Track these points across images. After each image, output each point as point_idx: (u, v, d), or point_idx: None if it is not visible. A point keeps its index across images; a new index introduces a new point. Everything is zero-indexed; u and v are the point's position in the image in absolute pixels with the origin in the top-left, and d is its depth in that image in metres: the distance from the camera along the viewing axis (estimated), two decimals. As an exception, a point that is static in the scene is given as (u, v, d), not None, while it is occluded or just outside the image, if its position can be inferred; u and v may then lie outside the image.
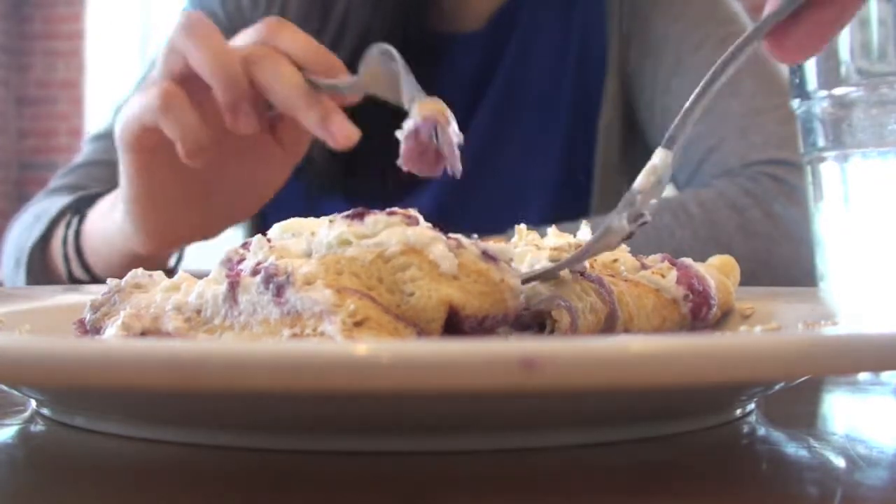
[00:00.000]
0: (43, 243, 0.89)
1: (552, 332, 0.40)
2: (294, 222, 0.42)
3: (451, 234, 0.40)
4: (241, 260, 0.40)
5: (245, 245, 0.41)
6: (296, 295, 0.36)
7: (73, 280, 0.85)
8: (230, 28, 0.78)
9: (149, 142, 0.69)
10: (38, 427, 0.38)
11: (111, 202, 0.80)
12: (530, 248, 0.45)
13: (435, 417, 0.32)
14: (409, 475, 0.31)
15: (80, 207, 0.88)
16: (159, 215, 0.74)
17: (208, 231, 0.78)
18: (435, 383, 0.26)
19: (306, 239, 0.40)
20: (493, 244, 0.41)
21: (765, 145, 0.92)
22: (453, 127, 0.49)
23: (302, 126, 0.65)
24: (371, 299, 0.37)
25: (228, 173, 0.73)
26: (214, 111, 0.66)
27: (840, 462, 0.34)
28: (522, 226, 0.50)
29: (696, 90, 0.41)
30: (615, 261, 0.47)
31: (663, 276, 0.46)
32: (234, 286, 0.38)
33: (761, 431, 0.38)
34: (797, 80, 0.54)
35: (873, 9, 0.49)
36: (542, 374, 0.25)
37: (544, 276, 0.42)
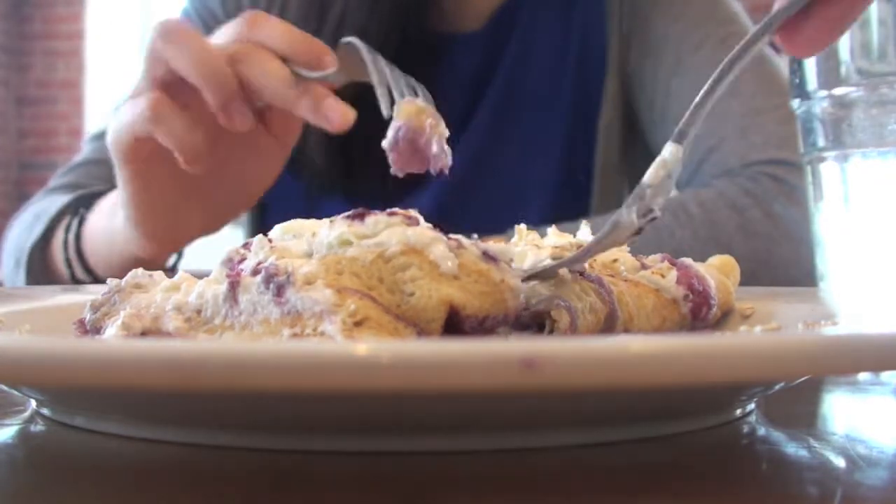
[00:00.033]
0: (43, 243, 0.89)
1: (552, 332, 0.40)
2: (295, 223, 0.42)
3: (451, 235, 0.40)
4: (242, 260, 0.40)
5: (246, 245, 0.41)
6: (296, 295, 0.36)
7: (76, 282, 0.85)
8: None
9: (143, 152, 0.69)
10: (38, 427, 0.38)
11: (111, 205, 0.80)
12: (530, 248, 0.45)
13: (435, 417, 0.32)
14: (409, 475, 0.31)
15: (79, 207, 0.88)
16: (160, 219, 0.74)
17: (210, 228, 0.78)
18: (435, 383, 0.26)
19: (307, 240, 0.40)
20: (494, 244, 0.41)
21: (765, 145, 0.92)
22: (438, 125, 0.49)
23: (293, 115, 0.65)
24: (371, 299, 0.37)
25: (225, 170, 0.72)
26: (205, 112, 0.66)
27: (840, 462, 0.34)
28: (522, 226, 0.50)
29: (707, 84, 0.41)
30: (615, 261, 0.47)
31: (663, 276, 0.46)
32: (234, 286, 0.38)
33: (761, 431, 0.38)
34: (797, 80, 0.54)
35: (873, 9, 0.49)
36: (542, 374, 0.25)
37: (550, 272, 0.42)
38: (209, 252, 0.67)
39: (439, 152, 0.48)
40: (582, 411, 0.33)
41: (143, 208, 0.73)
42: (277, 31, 0.66)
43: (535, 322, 0.40)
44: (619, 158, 1.04)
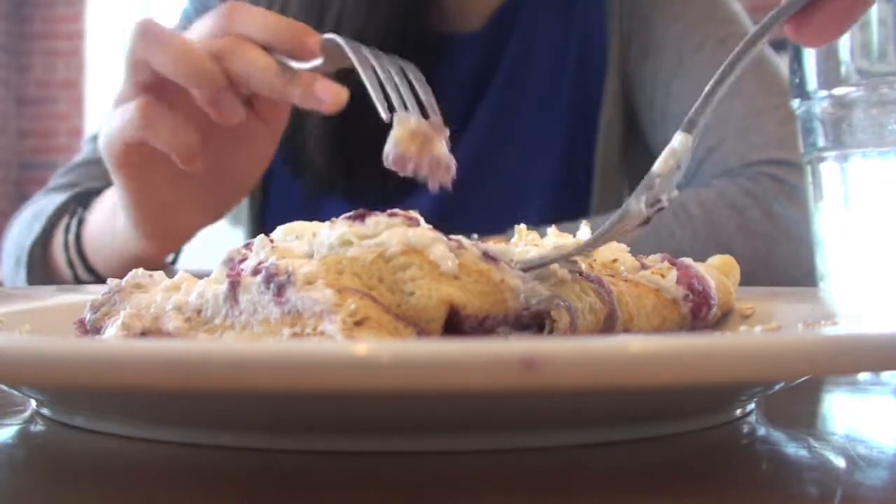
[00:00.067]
0: (42, 241, 0.89)
1: (551, 332, 0.40)
2: (297, 225, 0.42)
3: (451, 236, 0.40)
4: (243, 260, 0.40)
5: (247, 245, 0.41)
6: (296, 294, 0.36)
7: (79, 282, 0.85)
8: None
9: (137, 156, 0.68)
10: (38, 427, 0.38)
11: (110, 205, 0.80)
12: (530, 249, 0.45)
13: (435, 417, 0.32)
14: (409, 475, 0.31)
15: (77, 206, 0.88)
16: (159, 218, 0.74)
17: (209, 220, 0.78)
18: (435, 383, 0.26)
19: (308, 240, 0.40)
20: (494, 245, 0.41)
21: (765, 145, 0.92)
22: (431, 143, 0.49)
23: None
24: (372, 299, 0.37)
25: (219, 161, 0.72)
26: (194, 108, 0.66)
27: (840, 462, 0.34)
28: (522, 226, 0.50)
29: (717, 73, 0.41)
30: (615, 261, 0.47)
31: (663, 276, 0.46)
32: (234, 286, 0.38)
33: (761, 431, 0.38)
34: (797, 80, 0.54)
35: (873, 9, 0.49)
36: (542, 374, 0.25)
37: (556, 261, 0.42)
38: (209, 252, 0.67)
39: (435, 170, 0.48)
40: (582, 411, 0.33)
41: (142, 209, 0.73)
42: (257, 19, 0.65)
43: (535, 322, 0.40)
44: (620, 158, 1.04)
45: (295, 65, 0.63)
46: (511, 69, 1.05)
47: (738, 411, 0.39)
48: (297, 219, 0.44)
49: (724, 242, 0.86)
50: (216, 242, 0.73)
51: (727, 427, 0.38)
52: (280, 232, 0.42)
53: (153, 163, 0.68)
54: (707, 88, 0.41)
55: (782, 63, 0.96)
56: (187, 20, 1.03)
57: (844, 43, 0.50)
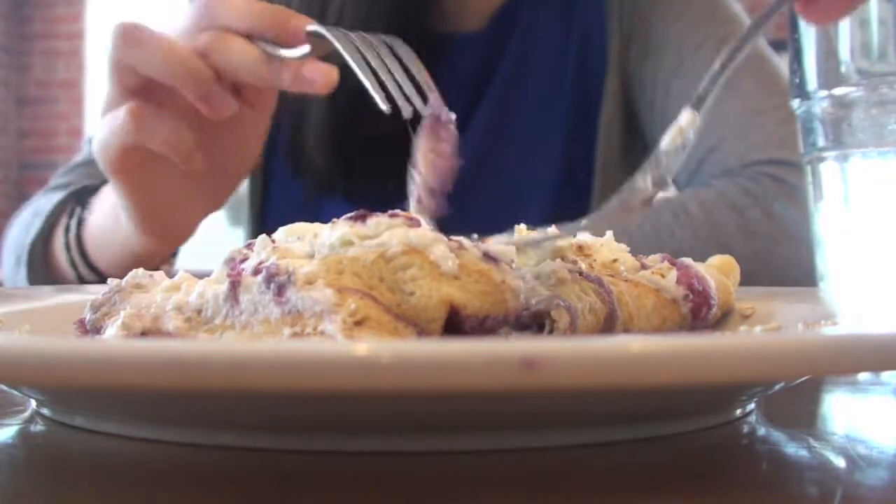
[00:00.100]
0: (42, 240, 0.89)
1: (552, 332, 0.40)
2: (298, 226, 0.43)
3: (452, 236, 0.40)
4: (244, 260, 0.40)
5: (249, 245, 0.41)
6: (297, 294, 0.36)
7: (82, 280, 0.85)
8: None
9: (133, 161, 0.68)
10: (38, 427, 0.38)
11: (110, 204, 0.80)
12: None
13: (435, 417, 0.32)
14: (409, 475, 0.31)
15: (77, 202, 0.88)
16: (160, 216, 0.74)
17: (210, 211, 0.78)
18: (435, 383, 0.26)
19: (309, 241, 0.40)
20: (494, 246, 0.41)
21: (765, 145, 0.92)
22: (426, 177, 0.49)
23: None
24: (372, 298, 0.37)
25: (214, 153, 0.72)
26: (184, 105, 0.65)
27: (840, 462, 0.34)
28: (522, 226, 0.50)
29: (726, 51, 0.41)
30: (615, 261, 0.47)
31: (663, 276, 0.46)
32: (235, 286, 0.38)
33: (761, 431, 0.38)
34: (797, 80, 0.54)
35: (873, 9, 0.49)
36: (542, 374, 0.25)
37: (560, 238, 0.41)
38: (209, 252, 0.67)
39: (435, 191, 0.48)
40: (582, 411, 0.33)
41: (141, 209, 0.73)
42: (238, 9, 0.65)
43: (535, 322, 0.40)
44: (620, 158, 1.04)
45: (282, 52, 0.63)
46: (511, 69, 1.05)
47: (738, 411, 0.39)
48: (298, 219, 0.44)
49: (724, 242, 0.86)
50: (216, 242, 0.73)
51: (727, 427, 0.38)
52: (281, 233, 0.42)
53: (149, 164, 0.68)
54: (715, 66, 0.41)
55: (782, 63, 0.96)
56: None
57: (844, 43, 0.50)
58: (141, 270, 0.45)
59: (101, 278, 0.83)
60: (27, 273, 0.89)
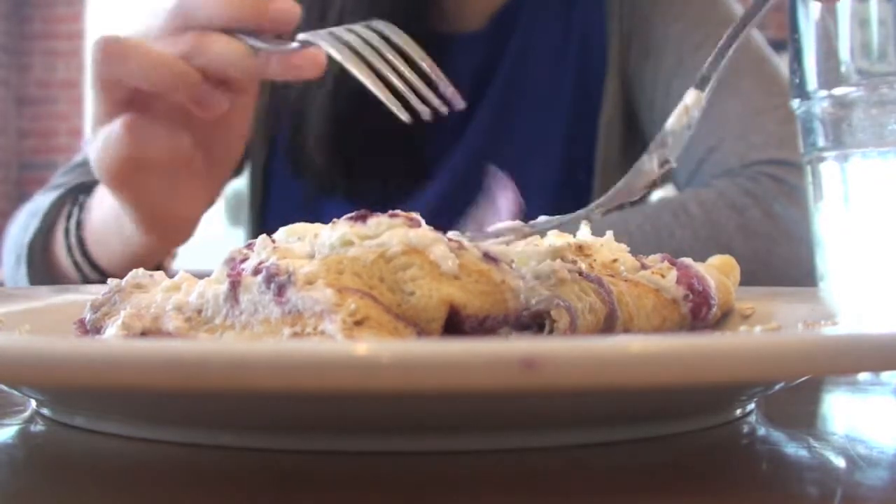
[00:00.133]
0: (42, 237, 0.89)
1: (551, 332, 0.40)
2: (299, 226, 0.43)
3: (452, 236, 0.40)
4: (244, 260, 0.40)
5: (249, 245, 0.41)
6: (297, 294, 0.36)
7: (84, 277, 0.85)
8: None
9: (132, 171, 0.68)
10: (38, 427, 0.38)
11: (110, 205, 0.80)
12: (530, 248, 0.45)
13: (435, 417, 0.32)
14: (409, 475, 0.31)
15: (75, 199, 0.87)
16: (161, 216, 0.74)
17: (209, 203, 0.77)
18: (435, 383, 0.26)
19: (309, 241, 0.40)
20: (494, 246, 0.41)
21: (765, 145, 0.92)
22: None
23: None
24: (372, 298, 0.37)
25: (206, 146, 0.72)
26: (174, 109, 0.65)
27: (840, 462, 0.34)
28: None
29: (730, 29, 0.40)
30: (615, 261, 0.47)
31: (663, 276, 0.46)
32: (235, 286, 0.38)
33: (761, 431, 0.38)
34: (797, 80, 0.54)
35: (873, 9, 0.49)
36: (542, 374, 0.25)
37: (567, 223, 0.41)
38: (209, 252, 0.67)
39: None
40: (582, 411, 0.33)
41: (142, 212, 0.73)
42: (213, 3, 0.64)
43: (535, 322, 0.40)
44: (620, 158, 1.04)
45: (265, 45, 0.63)
46: (511, 69, 1.05)
47: (738, 411, 0.39)
48: (298, 219, 0.44)
49: (724, 242, 0.86)
50: (216, 242, 0.73)
51: (727, 427, 0.38)
52: (282, 233, 0.43)
53: (146, 170, 0.68)
54: (720, 43, 0.41)
55: (782, 63, 0.96)
56: None
57: (844, 43, 0.50)
58: (141, 270, 0.45)
59: (102, 275, 0.83)
60: (27, 272, 0.89)
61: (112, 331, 0.41)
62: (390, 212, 0.40)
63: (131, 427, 0.35)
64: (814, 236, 0.54)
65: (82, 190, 0.88)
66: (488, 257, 0.39)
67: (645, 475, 0.32)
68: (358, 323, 0.35)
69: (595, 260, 0.46)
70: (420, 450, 0.33)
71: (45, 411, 0.39)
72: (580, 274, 0.42)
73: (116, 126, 0.65)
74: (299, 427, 0.33)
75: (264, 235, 0.41)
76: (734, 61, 1.02)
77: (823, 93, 0.52)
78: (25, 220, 0.93)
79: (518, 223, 0.45)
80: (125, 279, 0.45)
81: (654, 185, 0.41)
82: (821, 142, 0.53)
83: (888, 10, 0.49)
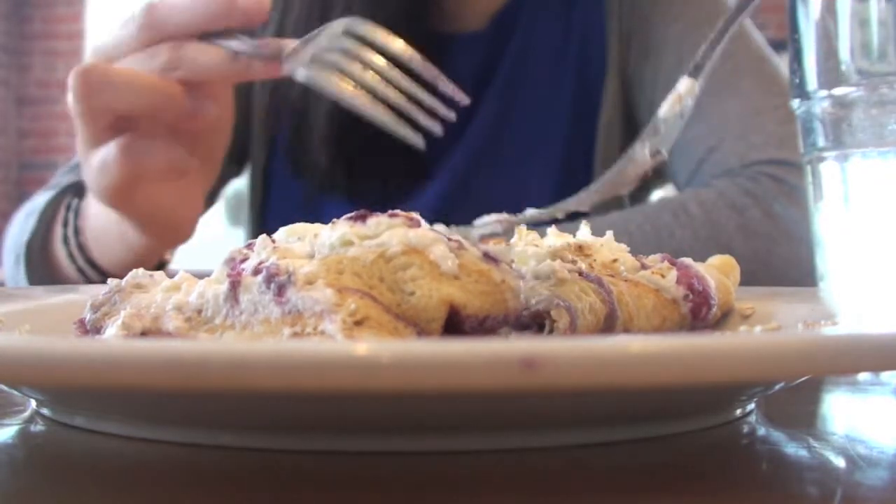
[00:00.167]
0: (40, 237, 0.89)
1: (551, 332, 0.40)
2: (299, 226, 0.43)
3: (451, 237, 0.40)
4: (244, 260, 0.40)
5: (249, 245, 0.41)
6: (297, 294, 0.36)
7: (83, 275, 0.85)
8: None
9: (133, 191, 0.68)
10: (38, 427, 0.38)
11: (108, 212, 0.80)
12: (530, 248, 0.45)
13: (435, 417, 0.32)
14: (409, 475, 0.31)
15: (73, 197, 0.87)
16: (160, 223, 0.74)
17: (203, 204, 0.77)
18: (435, 383, 0.26)
19: (309, 241, 0.40)
20: (494, 246, 0.41)
21: (765, 145, 0.92)
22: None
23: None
24: (372, 298, 0.37)
25: (198, 146, 0.72)
26: (162, 123, 0.65)
27: (840, 462, 0.34)
28: (522, 226, 0.50)
29: (726, 17, 0.40)
30: (615, 261, 0.47)
31: (663, 276, 0.46)
32: (235, 286, 0.38)
33: (761, 431, 0.38)
34: (797, 80, 0.54)
35: (873, 9, 0.49)
36: (542, 374, 0.25)
37: (560, 212, 0.41)
38: (209, 252, 0.66)
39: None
40: (582, 411, 0.33)
41: (141, 221, 0.73)
42: (180, 7, 0.63)
43: (535, 322, 0.40)
44: (620, 158, 1.04)
45: (245, 49, 0.62)
46: (511, 69, 1.05)
47: (738, 411, 0.39)
48: (298, 219, 0.44)
49: (724, 242, 0.86)
50: (216, 242, 0.73)
51: (727, 427, 0.38)
52: (282, 233, 0.43)
53: (144, 186, 0.68)
54: (715, 31, 0.40)
55: (782, 63, 0.96)
56: None
57: (844, 43, 0.50)
58: (141, 270, 0.45)
59: (102, 274, 0.83)
60: (26, 271, 0.89)
61: (112, 331, 0.41)
62: (390, 212, 0.40)
63: (131, 427, 0.35)
64: (814, 236, 0.54)
65: (76, 190, 0.88)
66: (488, 257, 0.39)
67: (645, 475, 0.32)
68: (358, 323, 0.35)
69: (595, 260, 0.46)
70: (420, 450, 0.33)
71: (45, 411, 0.39)
72: (580, 274, 0.42)
73: (112, 150, 0.65)
74: (299, 427, 0.33)
75: (264, 235, 0.41)
76: (734, 61, 1.03)
77: (823, 93, 0.52)
78: (23, 220, 0.93)
79: (504, 215, 0.44)
80: (125, 279, 0.45)
81: (646, 175, 0.40)
82: (821, 142, 0.53)
83: (888, 10, 0.49)
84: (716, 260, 0.51)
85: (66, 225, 0.86)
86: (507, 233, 0.44)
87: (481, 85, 1.05)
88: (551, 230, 0.50)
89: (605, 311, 0.42)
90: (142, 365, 0.26)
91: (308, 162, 1.02)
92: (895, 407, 0.47)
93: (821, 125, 0.52)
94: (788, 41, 0.53)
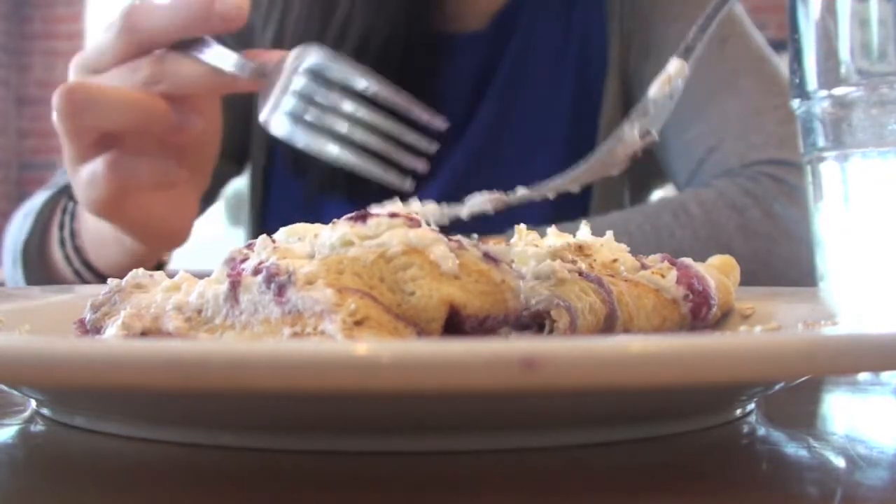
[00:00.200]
0: (37, 238, 0.88)
1: (551, 332, 0.40)
2: (299, 227, 0.43)
3: (452, 236, 0.40)
4: (244, 260, 0.40)
5: (249, 245, 0.41)
6: (297, 294, 0.36)
7: (79, 276, 0.85)
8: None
9: (122, 204, 0.68)
10: (38, 427, 0.38)
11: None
12: (530, 248, 0.45)
13: (435, 417, 0.32)
14: (409, 475, 0.31)
15: (70, 197, 0.87)
16: (155, 230, 0.74)
17: (198, 208, 0.77)
18: (435, 383, 0.26)
19: (310, 242, 0.40)
20: (494, 246, 0.41)
21: (765, 145, 0.92)
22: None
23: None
24: (372, 298, 0.37)
25: (187, 157, 0.72)
26: (148, 137, 0.65)
27: (840, 462, 0.34)
28: (522, 226, 0.50)
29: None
30: (615, 261, 0.47)
31: (663, 276, 0.46)
32: (235, 286, 0.38)
33: (761, 431, 0.38)
34: (797, 80, 0.54)
35: (873, 9, 0.49)
36: (542, 374, 0.25)
37: (547, 193, 0.41)
38: (209, 252, 0.66)
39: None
40: (582, 411, 0.33)
41: (134, 229, 0.73)
42: (157, 13, 0.63)
43: (535, 322, 0.40)
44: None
45: (228, 69, 0.62)
46: (512, 69, 1.05)
47: (738, 411, 0.39)
48: (298, 219, 0.44)
49: (724, 242, 0.86)
50: (216, 242, 0.73)
51: (727, 427, 0.38)
52: (282, 233, 0.43)
53: (135, 198, 0.68)
54: (707, 11, 0.40)
55: (782, 63, 0.96)
56: None
57: (844, 43, 0.50)
58: (141, 270, 0.45)
59: (98, 277, 0.83)
60: (23, 272, 0.89)
61: (112, 331, 0.41)
62: (390, 212, 0.40)
63: (131, 427, 0.35)
64: (814, 236, 0.54)
65: (72, 193, 0.88)
66: (488, 257, 0.39)
67: (645, 475, 0.32)
68: (358, 323, 0.35)
69: (595, 260, 0.46)
70: (420, 450, 0.33)
71: (45, 411, 0.39)
72: (580, 274, 0.42)
73: (99, 165, 0.65)
74: (299, 427, 0.33)
75: (264, 235, 0.41)
76: (734, 61, 1.02)
77: (823, 93, 0.52)
78: (21, 221, 0.93)
79: (496, 193, 0.44)
80: (125, 279, 0.45)
81: (636, 155, 0.40)
82: (821, 142, 0.53)
83: (888, 10, 0.49)
84: (716, 260, 0.51)
85: (62, 227, 0.86)
86: (497, 210, 0.44)
87: (481, 85, 1.05)
88: (551, 230, 0.50)
89: (605, 311, 0.42)
90: (142, 365, 0.26)
91: (308, 162, 1.02)
92: (895, 407, 0.47)
93: (821, 125, 0.52)
94: (788, 41, 0.53)
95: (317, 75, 0.59)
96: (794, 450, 0.36)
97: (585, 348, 0.26)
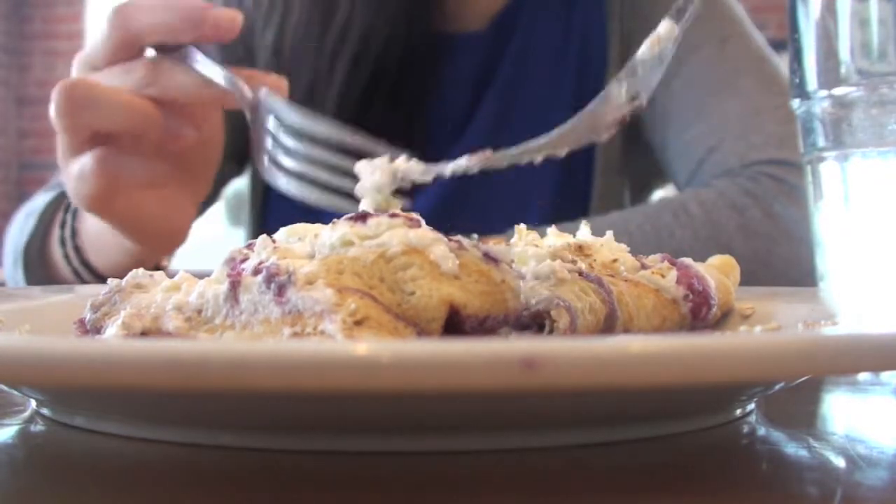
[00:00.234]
0: (38, 239, 0.88)
1: (551, 332, 0.40)
2: (299, 227, 0.43)
3: (451, 236, 0.40)
4: (244, 260, 0.40)
5: (249, 245, 0.41)
6: (297, 294, 0.36)
7: (79, 277, 0.85)
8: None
9: (112, 201, 0.68)
10: (38, 427, 0.38)
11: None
12: (530, 248, 0.45)
13: (435, 417, 0.32)
14: (409, 475, 0.31)
15: (67, 205, 0.87)
16: (152, 231, 0.74)
17: (197, 209, 0.77)
18: (435, 383, 0.26)
19: (310, 241, 0.40)
20: (494, 246, 0.41)
21: (765, 145, 0.92)
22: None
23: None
24: (372, 298, 0.37)
25: (185, 161, 0.72)
26: (141, 137, 0.66)
27: (840, 462, 0.34)
28: (522, 226, 0.50)
29: None
30: (615, 261, 0.47)
31: (663, 276, 0.46)
32: (235, 286, 0.38)
33: (761, 431, 0.38)
34: (797, 80, 0.54)
35: (873, 9, 0.49)
36: (542, 374, 0.25)
37: (532, 153, 0.41)
38: (209, 252, 0.66)
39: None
40: (582, 411, 0.33)
41: (129, 230, 0.73)
42: (149, 13, 0.64)
43: (535, 322, 0.40)
44: (620, 159, 1.04)
45: (214, 77, 0.62)
46: (512, 70, 1.05)
47: (738, 411, 0.39)
48: (298, 219, 0.44)
49: (724, 242, 0.86)
50: (216, 242, 0.73)
51: (727, 427, 0.38)
52: (282, 233, 0.43)
53: (125, 196, 0.68)
54: None
55: (782, 63, 0.96)
56: None
57: (844, 43, 0.50)
58: (141, 270, 0.45)
59: (97, 277, 0.83)
60: (24, 272, 0.89)
61: (112, 331, 0.41)
62: (390, 212, 0.40)
63: (131, 427, 0.35)
64: (814, 236, 0.54)
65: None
66: (488, 257, 0.39)
67: (645, 475, 0.32)
68: (358, 323, 0.35)
69: (595, 260, 0.46)
70: (420, 450, 0.33)
71: (45, 411, 0.39)
72: (580, 274, 0.42)
73: (88, 160, 0.66)
74: (299, 427, 0.33)
75: (264, 235, 0.41)
76: (734, 61, 1.03)
77: (823, 93, 0.52)
78: (23, 221, 0.93)
79: (479, 153, 0.44)
80: (125, 279, 0.45)
81: (624, 120, 0.39)
82: (821, 142, 0.53)
83: (888, 10, 0.49)
84: (716, 260, 0.51)
85: (63, 226, 0.86)
86: (480, 169, 0.44)
87: (481, 85, 1.05)
88: (551, 230, 0.50)
89: (605, 311, 0.42)
90: (142, 365, 0.26)
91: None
92: (895, 407, 0.47)
93: (821, 125, 0.52)
94: (788, 41, 0.53)
95: (283, 124, 0.60)
96: (794, 450, 0.36)
97: (585, 348, 0.26)
